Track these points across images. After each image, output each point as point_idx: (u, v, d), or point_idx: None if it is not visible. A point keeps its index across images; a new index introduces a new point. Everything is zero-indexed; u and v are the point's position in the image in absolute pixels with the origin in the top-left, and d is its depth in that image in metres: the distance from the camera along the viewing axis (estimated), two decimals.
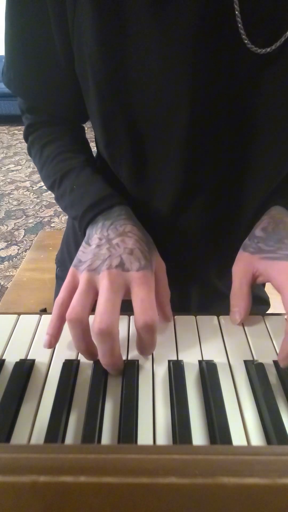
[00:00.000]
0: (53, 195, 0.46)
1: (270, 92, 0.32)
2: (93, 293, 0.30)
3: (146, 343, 0.30)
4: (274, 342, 0.33)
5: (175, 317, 0.36)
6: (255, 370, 0.29)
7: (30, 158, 0.49)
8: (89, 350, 0.30)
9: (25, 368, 0.30)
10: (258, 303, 0.59)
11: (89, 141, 0.49)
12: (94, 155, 0.50)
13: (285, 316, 0.35)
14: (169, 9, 0.29)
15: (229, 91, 0.32)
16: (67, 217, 0.80)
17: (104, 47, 0.32)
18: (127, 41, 0.31)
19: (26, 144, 0.49)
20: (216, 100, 0.33)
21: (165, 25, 0.30)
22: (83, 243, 0.35)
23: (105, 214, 0.36)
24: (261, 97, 0.33)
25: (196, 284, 0.53)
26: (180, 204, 0.42)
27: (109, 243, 0.33)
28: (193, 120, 0.34)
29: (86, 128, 0.52)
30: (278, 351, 0.32)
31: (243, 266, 0.36)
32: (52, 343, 0.31)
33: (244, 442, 0.25)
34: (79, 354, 0.32)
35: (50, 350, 0.32)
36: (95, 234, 0.35)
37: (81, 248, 0.35)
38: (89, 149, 0.48)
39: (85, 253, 0.33)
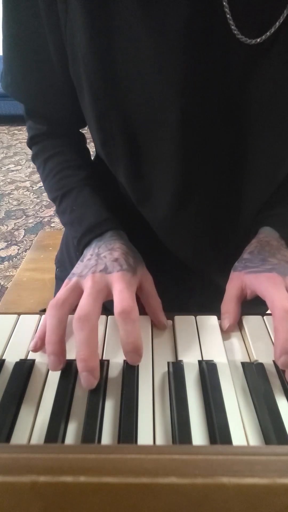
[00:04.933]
0: None
1: (263, 83, 0.32)
2: (77, 292, 0.33)
3: (127, 334, 0.29)
4: (273, 342, 0.33)
5: (175, 317, 0.36)
6: (255, 370, 0.29)
7: (30, 158, 0.50)
8: (58, 347, 0.29)
9: (25, 368, 0.30)
10: (258, 303, 0.59)
11: (88, 141, 0.50)
12: (93, 156, 0.50)
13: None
14: (157, 5, 0.29)
15: (221, 83, 0.33)
16: None
17: (96, 46, 0.32)
18: (117, 39, 0.31)
19: (26, 144, 0.50)
20: (209, 94, 0.33)
21: (154, 21, 0.30)
22: (78, 261, 0.38)
23: (99, 238, 0.39)
24: (254, 88, 0.33)
25: (197, 283, 0.53)
26: (179, 202, 0.42)
27: (98, 256, 0.36)
28: (185, 115, 0.34)
29: (85, 129, 0.52)
30: None
31: (233, 282, 0.38)
32: (38, 346, 0.31)
33: (244, 442, 0.25)
34: None
35: None
36: (88, 254, 0.38)
37: (75, 266, 0.37)
38: (89, 160, 0.50)
39: (77, 267, 0.37)
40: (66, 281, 0.35)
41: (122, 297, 0.30)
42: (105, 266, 0.34)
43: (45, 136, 0.48)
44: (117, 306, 0.30)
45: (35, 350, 0.31)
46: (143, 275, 0.37)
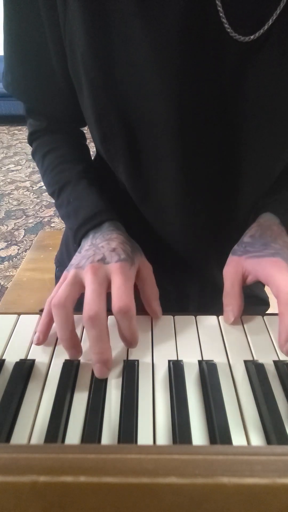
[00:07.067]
0: None
1: (256, 80, 0.33)
2: (78, 286, 0.33)
3: (124, 329, 0.31)
4: (274, 342, 0.33)
5: (175, 317, 0.36)
6: (255, 370, 0.29)
7: (30, 158, 0.51)
8: (72, 341, 0.31)
9: (25, 368, 0.30)
10: (258, 303, 0.59)
11: (88, 141, 0.50)
12: (93, 156, 0.50)
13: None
14: (153, 4, 0.30)
15: (216, 80, 0.33)
16: None
17: (94, 45, 0.33)
18: (115, 37, 0.32)
19: (26, 144, 0.51)
20: (204, 91, 0.33)
21: (150, 19, 0.30)
22: (76, 253, 0.38)
23: (96, 229, 0.39)
24: (248, 85, 0.33)
25: (195, 281, 0.53)
26: (178, 200, 0.42)
27: (95, 246, 0.37)
28: (181, 111, 0.34)
29: (86, 129, 0.52)
30: (278, 351, 0.32)
31: (232, 268, 0.37)
32: (40, 340, 0.33)
33: (244, 442, 0.25)
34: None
35: (50, 350, 0.32)
36: (85, 245, 0.38)
37: (73, 257, 0.38)
38: (87, 155, 0.50)
39: (75, 258, 0.37)
40: (64, 273, 0.35)
41: (120, 294, 0.31)
42: (103, 256, 0.34)
43: (44, 131, 0.49)
44: (115, 304, 0.30)
45: (38, 343, 0.33)
46: (142, 263, 0.37)
